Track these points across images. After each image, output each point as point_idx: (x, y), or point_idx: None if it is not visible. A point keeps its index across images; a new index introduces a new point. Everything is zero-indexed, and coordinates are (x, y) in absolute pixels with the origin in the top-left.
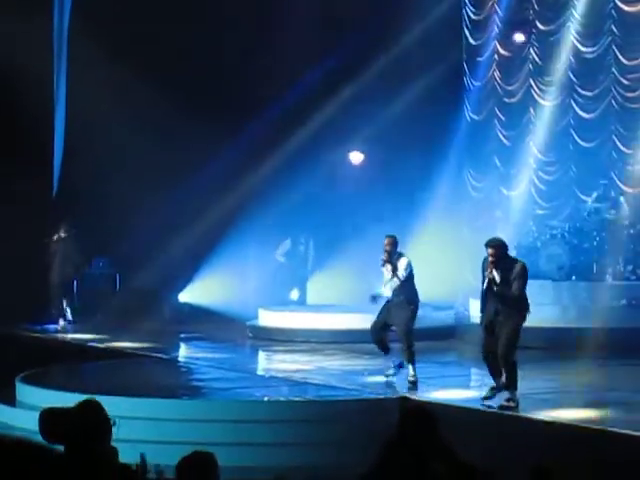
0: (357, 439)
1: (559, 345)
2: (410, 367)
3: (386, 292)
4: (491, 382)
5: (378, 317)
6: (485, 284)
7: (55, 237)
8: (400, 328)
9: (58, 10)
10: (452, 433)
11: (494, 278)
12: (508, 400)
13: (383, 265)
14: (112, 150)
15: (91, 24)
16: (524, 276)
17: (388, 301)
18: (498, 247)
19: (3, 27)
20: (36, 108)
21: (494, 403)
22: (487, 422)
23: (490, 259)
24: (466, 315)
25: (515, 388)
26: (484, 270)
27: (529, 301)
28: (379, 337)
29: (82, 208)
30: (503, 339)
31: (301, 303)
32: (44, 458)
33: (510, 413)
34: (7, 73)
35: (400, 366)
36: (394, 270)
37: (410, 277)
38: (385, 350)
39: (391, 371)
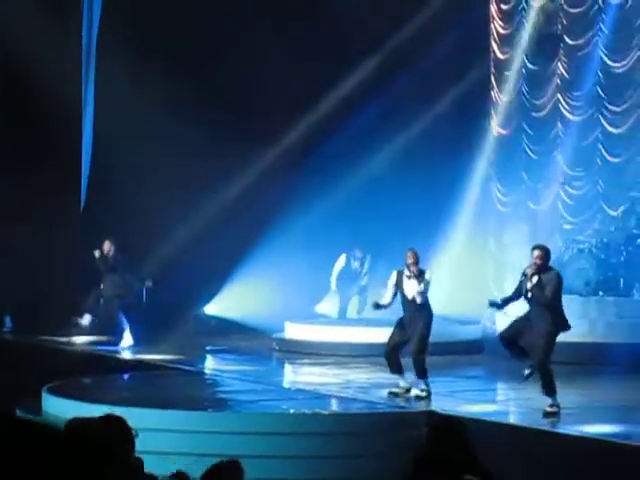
0: (383, 452)
1: (586, 360)
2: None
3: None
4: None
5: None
6: (519, 286)
7: (98, 253)
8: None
9: (87, 17)
10: (478, 448)
11: (532, 281)
12: (552, 406)
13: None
14: (137, 164)
15: (120, 31)
16: (558, 283)
17: (404, 317)
18: (545, 251)
19: (30, 34)
20: (64, 120)
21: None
22: (513, 436)
23: (535, 261)
24: (493, 330)
25: (555, 393)
26: (523, 281)
27: (566, 315)
28: (394, 357)
29: (108, 221)
30: (539, 347)
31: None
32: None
33: (535, 427)
34: (34, 81)
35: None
36: (420, 283)
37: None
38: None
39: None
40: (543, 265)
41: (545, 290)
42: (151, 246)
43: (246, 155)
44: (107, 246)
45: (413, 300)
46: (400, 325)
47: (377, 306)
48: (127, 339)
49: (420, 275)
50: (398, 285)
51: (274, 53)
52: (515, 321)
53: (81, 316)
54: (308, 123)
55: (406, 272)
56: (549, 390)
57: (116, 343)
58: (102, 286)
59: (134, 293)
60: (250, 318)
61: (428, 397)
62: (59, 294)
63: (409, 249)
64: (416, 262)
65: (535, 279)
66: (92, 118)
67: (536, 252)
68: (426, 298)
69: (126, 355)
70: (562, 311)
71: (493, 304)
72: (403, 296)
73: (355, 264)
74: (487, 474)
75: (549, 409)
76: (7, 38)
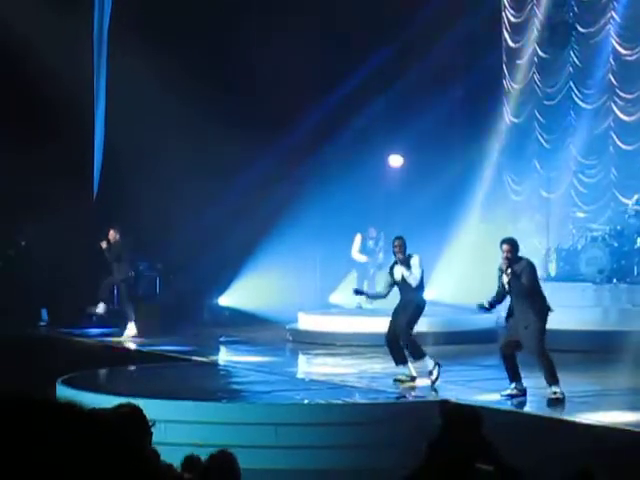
0: (398, 442)
1: (600, 348)
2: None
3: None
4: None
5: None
6: (499, 284)
7: (105, 244)
8: (401, 329)
9: (98, 7)
10: (492, 436)
11: (507, 274)
12: (555, 393)
13: (401, 264)
14: (152, 153)
15: (132, 21)
16: (531, 271)
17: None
18: (512, 244)
19: (41, 25)
20: (76, 111)
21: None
22: (527, 425)
23: (505, 255)
24: None
25: (557, 381)
26: (500, 277)
27: (547, 300)
28: (394, 347)
29: (121, 211)
30: (532, 339)
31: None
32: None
33: (550, 416)
34: (46, 73)
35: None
36: (408, 268)
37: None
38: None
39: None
40: (513, 257)
41: (521, 279)
42: (164, 237)
43: (259, 146)
44: (112, 235)
45: (403, 282)
46: (395, 313)
47: (371, 296)
48: (131, 329)
49: (407, 260)
50: (390, 273)
51: (288, 41)
52: (506, 328)
53: (96, 306)
54: (321, 112)
55: (395, 259)
56: (552, 378)
57: (121, 333)
58: (113, 275)
59: (145, 281)
60: (263, 309)
61: (412, 381)
62: (75, 285)
63: (395, 237)
64: (401, 249)
65: (509, 272)
66: (104, 108)
67: (504, 246)
68: (421, 284)
69: (132, 345)
70: (543, 296)
71: (481, 307)
72: (395, 282)
73: (370, 243)
74: (501, 463)
75: (553, 395)
76: (18, 31)
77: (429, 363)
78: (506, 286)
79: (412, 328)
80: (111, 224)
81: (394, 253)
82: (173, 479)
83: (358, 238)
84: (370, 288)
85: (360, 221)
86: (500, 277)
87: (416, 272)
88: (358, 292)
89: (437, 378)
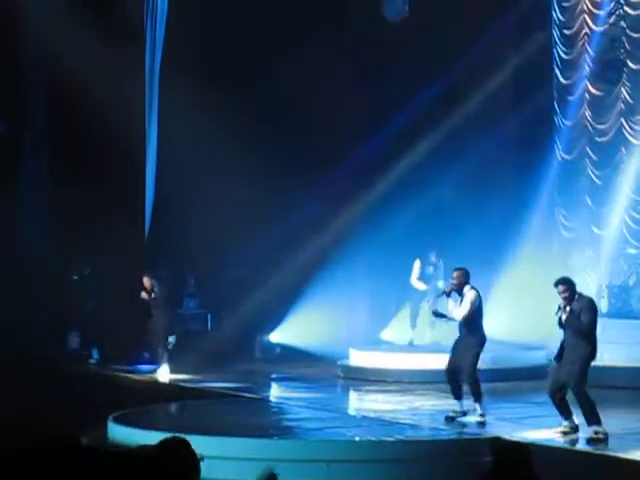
0: (449, 479)
1: None
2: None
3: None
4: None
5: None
6: (558, 320)
7: (144, 294)
8: (465, 369)
9: (150, 46)
10: (544, 473)
11: (566, 311)
12: (597, 432)
13: (448, 296)
14: (202, 192)
15: (183, 59)
16: (591, 309)
17: (457, 339)
18: (567, 282)
19: (95, 63)
20: (128, 148)
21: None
22: (579, 462)
23: (563, 295)
24: None
25: (599, 421)
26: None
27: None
28: (453, 382)
29: (174, 250)
30: (573, 371)
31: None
32: None
33: (602, 453)
34: (98, 111)
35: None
36: (461, 302)
37: (478, 311)
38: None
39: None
40: (571, 295)
41: (580, 318)
42: (215, 274)
43: (309, 183)
44: (147, 282)
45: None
46: (454, 347)
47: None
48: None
49: (462, 294)
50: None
51: (336, 75)
52: (556, 368)
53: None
54: (371, 150)
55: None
56: (592, 417)
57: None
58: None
59: (196, 318)
60: (314, 345)
61: (484, 421)
62: (127, 323)
63: (456, 268)
64: (459, 281)
65: (568, 309)
66: (156, 146)
67: (560, 287)
68: (477, 324)
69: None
70: (595, 340)
71: (555, 359)
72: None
73: (430, 269)
74: None
75: (594, 435)
76: (70, 68)
77: (481, 409)
78: (563, 321)
79: (476, 367)
80: (145, 271)
81: (452, 283)
82: None
83: (417, 264)
84: (427, 314)
85: (410, 257)
86: (558, 313)
87: (464, 308)
88: (437, 314)
89: (482, 423)
